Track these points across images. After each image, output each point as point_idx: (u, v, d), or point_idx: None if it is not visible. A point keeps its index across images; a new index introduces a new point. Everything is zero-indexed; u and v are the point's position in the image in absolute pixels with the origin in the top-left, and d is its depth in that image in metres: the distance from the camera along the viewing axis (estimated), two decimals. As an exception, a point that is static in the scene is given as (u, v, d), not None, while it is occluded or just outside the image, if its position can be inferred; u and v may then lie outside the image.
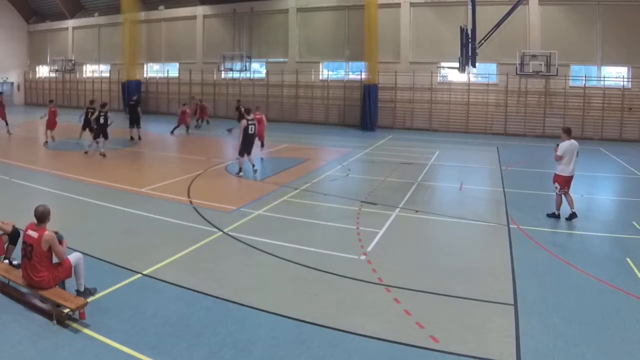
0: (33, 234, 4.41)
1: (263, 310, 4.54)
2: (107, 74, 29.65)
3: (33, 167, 11.26)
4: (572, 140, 7.63)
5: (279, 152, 14.56)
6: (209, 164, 11.94)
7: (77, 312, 4.23)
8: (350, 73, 23.02)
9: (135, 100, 16.46)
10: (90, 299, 4.48)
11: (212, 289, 4.96)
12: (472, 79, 20.05)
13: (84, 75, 31.05)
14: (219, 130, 18.63)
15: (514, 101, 19.69)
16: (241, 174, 10.48)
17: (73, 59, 30.98)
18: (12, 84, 32.97)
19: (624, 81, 18.30)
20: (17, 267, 4.90)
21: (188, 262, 5.74)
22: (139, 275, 5.27)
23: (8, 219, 5.49)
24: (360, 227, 7.16)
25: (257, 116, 12.12)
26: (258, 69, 25.27)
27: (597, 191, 10.41)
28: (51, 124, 14.55)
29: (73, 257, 4.61)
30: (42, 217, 4.46)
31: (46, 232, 4.41)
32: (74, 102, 31.13)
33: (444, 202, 9.04)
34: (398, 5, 20.98)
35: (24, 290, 4.63)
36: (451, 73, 19.91)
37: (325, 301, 4.81)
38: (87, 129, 14.43)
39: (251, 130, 10.50)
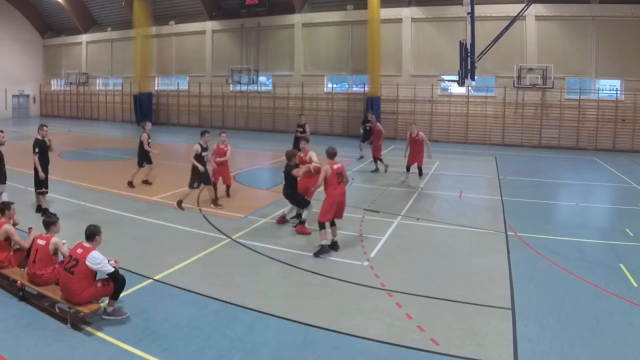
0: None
1: (270, 314, 4.66)
2: (120, 87, 30.08)
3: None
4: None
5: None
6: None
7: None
8: (353, 86, 23.40)
9: None
10: (103, 304, 4.53)
11: (220, 293, 5.09)
12: (471, 91, 20.37)
13: (97, 88, 31.50)
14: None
15: (512, 113, 19.98)
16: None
17: (87, 72, 31.52)
18: (27, 96, 33.49)
19: (617, 93, 18.64)
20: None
21: (198, 268, 5.88)
22: (151, 280, 5.41)
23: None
24: (363, 234, 7.30)
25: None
26: (265, 82, 25.63)
27: (591, 200, 10.57)
28: None
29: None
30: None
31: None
32: (87, 114, 31.62)
33: (444, 210, 9.14)
34: (399, 20, 21.39)
35: (34, 293, 4.75)
36: (451, 85, 20.28)
37: (330, 305, 4.92)
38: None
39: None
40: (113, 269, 4.44)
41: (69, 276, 4.38)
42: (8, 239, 5.17)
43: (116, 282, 4.47)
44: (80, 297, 4.36)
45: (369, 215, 8.43)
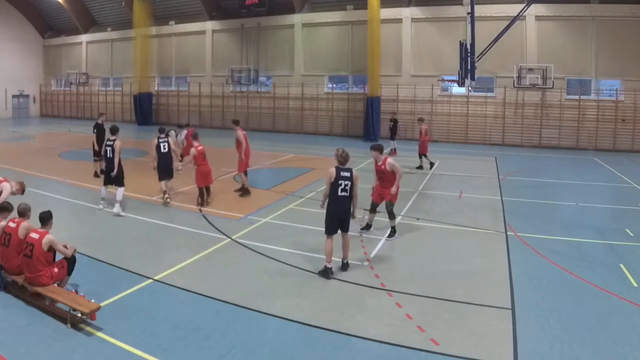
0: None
1: (270, 314, 4.67)
2: (120, 87, 30.09)
3: (48, 176, 11.44)
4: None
5: (285, 161, 14.78)
6: (217, 174, 12.06)
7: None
8: (353, 86, 23.42)
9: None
10: (103, 304, 4.55)
11: (220, 293, 5.09)
12: (471, 91, 20.37)
13: (97, 88, 31.51)
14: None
15: (512, 113, 19.99)
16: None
17: (87, 72, 31.52)
18: (27, 96, 33.55)
19: (617, 93, 18.65)
20: None
21: (197, 268, 5.89)
22: (151, 280, 5.42)
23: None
24: (363, 234, 7.32)
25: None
26: (265, 82, 25.64)
27: (591, 200, 10.53)
28: None
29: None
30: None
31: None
32: (87, 114, 31.57)
33: (444, 210, 9.13)
34: (399, 20, 21.40)
35: (35, 293, 4.76)
36: (453, 85, 20.29)
37: (330, 305, 4.93)
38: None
39: None
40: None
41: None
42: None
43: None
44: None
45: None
